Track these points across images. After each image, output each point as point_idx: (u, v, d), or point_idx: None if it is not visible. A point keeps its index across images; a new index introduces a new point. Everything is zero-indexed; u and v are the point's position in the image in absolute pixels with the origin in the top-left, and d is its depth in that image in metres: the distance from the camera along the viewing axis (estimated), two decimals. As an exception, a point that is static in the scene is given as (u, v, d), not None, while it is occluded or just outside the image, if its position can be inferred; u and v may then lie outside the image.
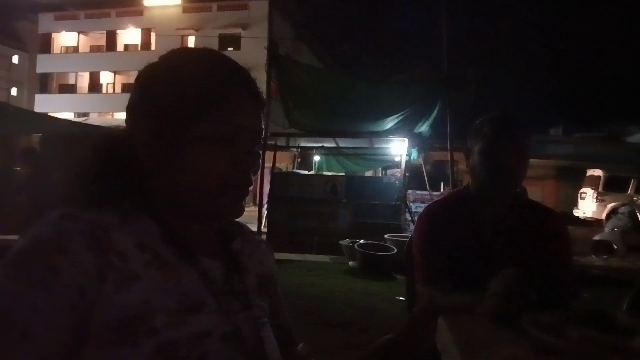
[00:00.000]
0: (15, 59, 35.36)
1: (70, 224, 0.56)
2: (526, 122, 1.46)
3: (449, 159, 7.42)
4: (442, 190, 11.02)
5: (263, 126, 0.70)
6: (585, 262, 3.96)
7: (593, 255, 6.34)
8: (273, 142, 8.93)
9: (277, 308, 0.82)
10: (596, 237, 7.07)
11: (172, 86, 0.64)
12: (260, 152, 0.69)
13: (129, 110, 0.67)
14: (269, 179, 8.49)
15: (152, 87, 0.65)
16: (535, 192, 8.57)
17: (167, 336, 0.56)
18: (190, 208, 0.66)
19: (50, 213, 0.58)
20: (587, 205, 14.42)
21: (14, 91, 34.67)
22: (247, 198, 0.70)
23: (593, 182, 14.38)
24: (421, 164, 9.72)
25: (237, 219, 0.73)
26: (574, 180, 15.57)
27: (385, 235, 7.02)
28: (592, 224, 12.87)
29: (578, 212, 14.77)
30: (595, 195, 14.05)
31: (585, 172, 14.86)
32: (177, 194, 0.65)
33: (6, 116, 8.45)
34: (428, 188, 9.76)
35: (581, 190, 15.00)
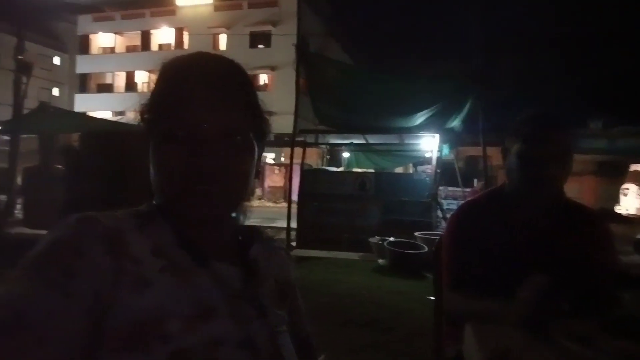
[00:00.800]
0: (56, 60, 36.94)
1: (88, 227, 0.57)
2: (566, 118, 1.36)
3: (482, 154, 7.22)
4: (475, 186, 10.76)
5: (238, 122, 0.65)
6: (628, 262, 3.78)
7: (636, 255, 6.06)
8: (302, 139, 8.95)
9: (297, 315, 0.80)
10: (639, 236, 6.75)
11: (155, 82, 0.68)
12: (243, 149, 0.66)
13: None
14: (299, 176, 8.52)
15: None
16: (573, 188, 8.23)
17: (180, 342, 0.55)
18: (171, 211, 0.66)
19: (70, 216, 0.58)
20: (630, 202, 14.13)
21: (55, 91, 36.22)
22: (254, 195, 0.68)
23: (637, 178, 13.96)
24: (453, 160, 9.51)
25: (256, 225, 0.72)
26: (615, 176, 14.95)
27: (416, 233, 6.92)
28: (635, 221, 12.32)
29: (620, 209, 14.22)
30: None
31: (628, 167, 14.32)
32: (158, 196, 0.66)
33: (46, 116, 8.85)
34: (460, 184, 9.55)
35: (624, 186, 14.48)
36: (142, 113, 0.67)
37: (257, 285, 0.70)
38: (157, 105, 0.64)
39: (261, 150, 0.71)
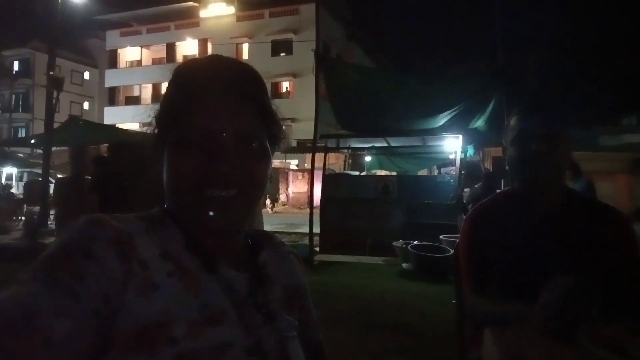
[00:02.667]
0: (86, 75, 38.37)
1: (98, 230, 0.57)
2: (560, 110, 1.37)
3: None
4: (502, 187, 10.51)
5: (253, 127, 0.65)
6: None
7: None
8: (323, 144, 8.94)
9: (308, 322, 0.79)
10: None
11: (167, 89, 0.68)
12: (259, 155, 0.66)
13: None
14: (321, 181, 8.50)
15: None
16: (606, 187, 7.89)
17: (186, 347, 0.55)
18: (183, 217, 0.65)
19: (80, 219, 0.58)
20: (669, 201, 13.33)
21: (86, 105, 37.58)
22: (265, 201, 0.67)
23: (675, 175, 13.23)
24: (479, 161, 9.31)
25: (268, 231, 0.74)
26: (652, 174, 14.32)
27: (440, 236, 6.78)
28: (674, 220, 11.74)
29: (658, 208, 13.58)
30: (678, 189, 12.88)
31: (665, 165, 13.66)
32: (170, 202, 0.66)
33: (75, 128, 9.16)
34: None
35: (661, 184, 13.81)
36: (156, 118, 0.67)
37: (266, 290, 0.70)
38: (172, 110, 0.64)
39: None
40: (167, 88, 0.67)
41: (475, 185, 7.26)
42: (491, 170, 9.95)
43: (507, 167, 1.40)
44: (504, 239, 1.31)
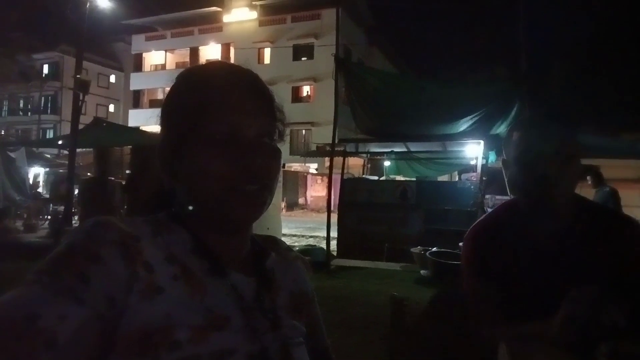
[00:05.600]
0: (112, 78, 39.39)
1: (104, 232, 0.57)
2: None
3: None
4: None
5: (272, 125, 0.69)
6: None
7: None
8: (342, 149, 8.93)
9: (314, 328, 0.78)
10: None
11: (182, 92, 0.68)
12: (276, 151, 0.68)
13: (159, 119, 0.70)
14: (339, 185, 8.48)
15: (171, 95, 0.69)
16: (632, 195, 7.62)
17: (189, 352, 0.55)
18: (205, 217, 0.65)
19: (87, 221, 0.58)
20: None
21: (111, 107, 38.53)
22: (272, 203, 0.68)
23: None
24: (501, 168, 9.13)
25: (275, 236, 0.74)
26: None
27: (460, 244, 6.67)
28: None
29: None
30: None
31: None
32: (191, 201, 0.65)
33: (100, 130, 9.40)
34: (509, 193, 9.12)
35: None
36: (171, 119, 0.67)
37: (274, 295, 0.70)
38: (197, 110, 0.64)
39: None
40: (182, 91, 0.68)
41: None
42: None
43: (507, 183, 1.28)
44: (509, 256, 1.22)
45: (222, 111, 0.63)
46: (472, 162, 9.40)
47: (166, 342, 0.54)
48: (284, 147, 0.75)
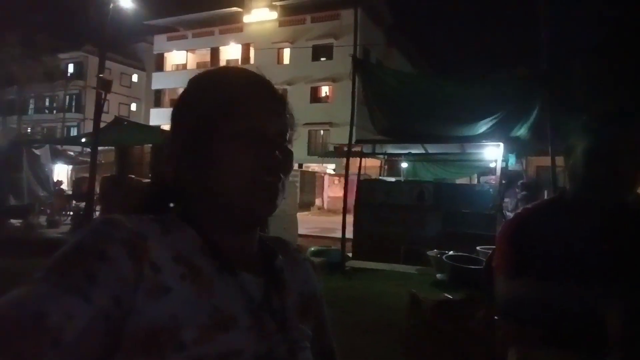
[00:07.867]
0: (134, 78, 40.15)
1: (112, 231, 0.57)
2: None
3: (550, 164, 6.73)
4: (546, 198, 10.06)
5: (287, 126, 0.71)
6: None
7: None
8: (359, 149, 8.89)
9: (321, 330, 0.78)
10: None
11: (202, 91, 0.69)
12: (291, 152, 0.70)
13: (171, 118, 0.71)
14: (356, 186, 8.44)
15: (187, 95, 0.71)
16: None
17: (195, 352, 0.54)
18: (223, 212, 0.66)
19: (95, 219, 0.60)
20: None
21: (133, 106, 39.26)
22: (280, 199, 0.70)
23: None
24: (522, 171, 8.98)
25: (283, 239, 0.75)
26: None
27: (478, 247, 6.57)
28: None
29: None
30: None
31: None
32: (208, 196, 0.66)
33: (120, 128, 9.57)
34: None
35: None
36: (193, 118, 0.67)
37: (282, 296, 0.69)
38: (222, 108, 0.66)
39: None
40: (201, 91, 0.69)
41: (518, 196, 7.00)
42: (535, 179, 9.58)
43: (568, 171, 1.25)
44: (550, 246, 1.20)
45: (248, 108, 0.66)
46: (492, 165, 9.25)
47: (172, 342, 0.54)
48: (302, 148, 0.77)
